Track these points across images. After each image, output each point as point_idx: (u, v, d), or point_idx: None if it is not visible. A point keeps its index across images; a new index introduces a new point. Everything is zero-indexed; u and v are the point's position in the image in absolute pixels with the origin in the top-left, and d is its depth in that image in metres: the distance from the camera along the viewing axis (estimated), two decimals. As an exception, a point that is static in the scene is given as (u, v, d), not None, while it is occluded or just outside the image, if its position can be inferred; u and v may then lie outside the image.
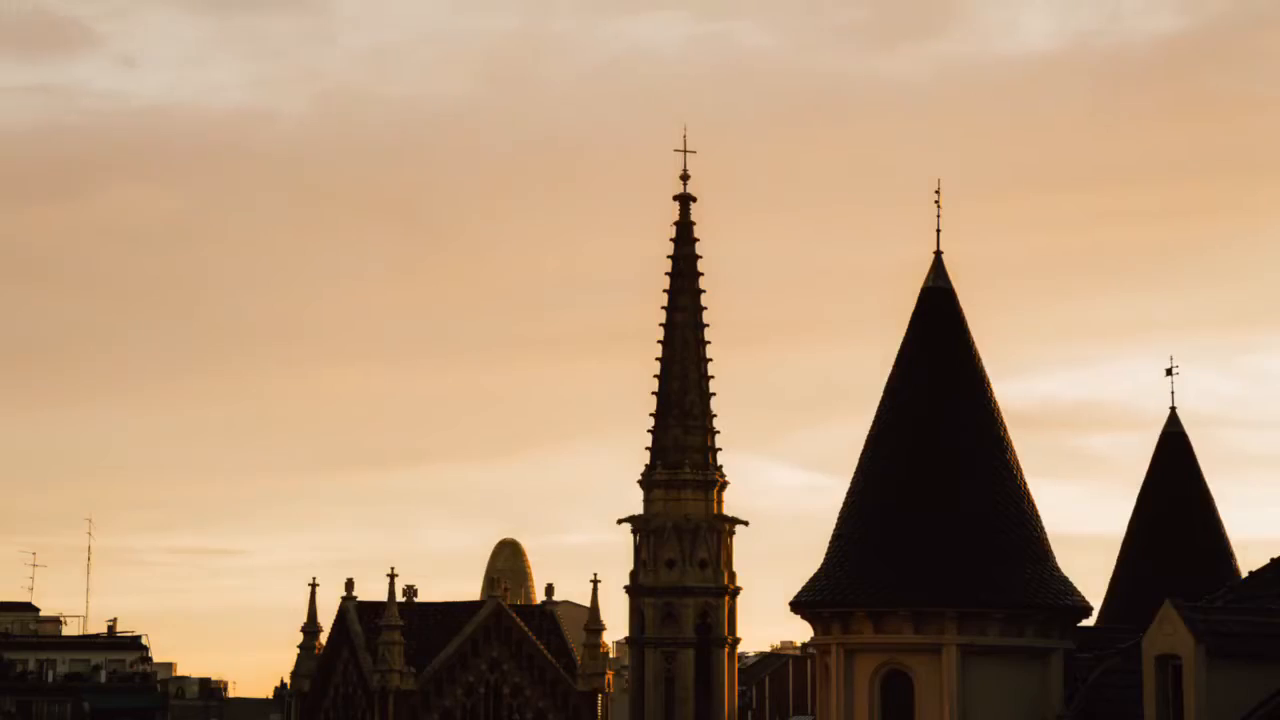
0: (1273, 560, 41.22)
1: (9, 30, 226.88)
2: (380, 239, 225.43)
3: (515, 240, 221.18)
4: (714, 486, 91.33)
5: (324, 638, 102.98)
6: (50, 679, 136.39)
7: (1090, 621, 43.24)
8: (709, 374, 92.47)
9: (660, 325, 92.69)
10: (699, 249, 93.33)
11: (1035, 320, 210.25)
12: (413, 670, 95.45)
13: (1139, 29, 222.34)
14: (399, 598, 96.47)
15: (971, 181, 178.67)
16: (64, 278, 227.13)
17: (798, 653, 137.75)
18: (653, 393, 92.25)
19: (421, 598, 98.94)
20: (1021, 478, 42.49)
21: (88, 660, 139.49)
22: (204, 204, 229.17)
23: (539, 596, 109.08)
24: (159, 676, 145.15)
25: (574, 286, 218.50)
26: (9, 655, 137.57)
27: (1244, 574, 44.41)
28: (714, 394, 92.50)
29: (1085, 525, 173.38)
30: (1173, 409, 51.94)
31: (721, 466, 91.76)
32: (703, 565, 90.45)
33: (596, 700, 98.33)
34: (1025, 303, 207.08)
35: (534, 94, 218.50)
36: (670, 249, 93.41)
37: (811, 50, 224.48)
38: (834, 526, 42.96)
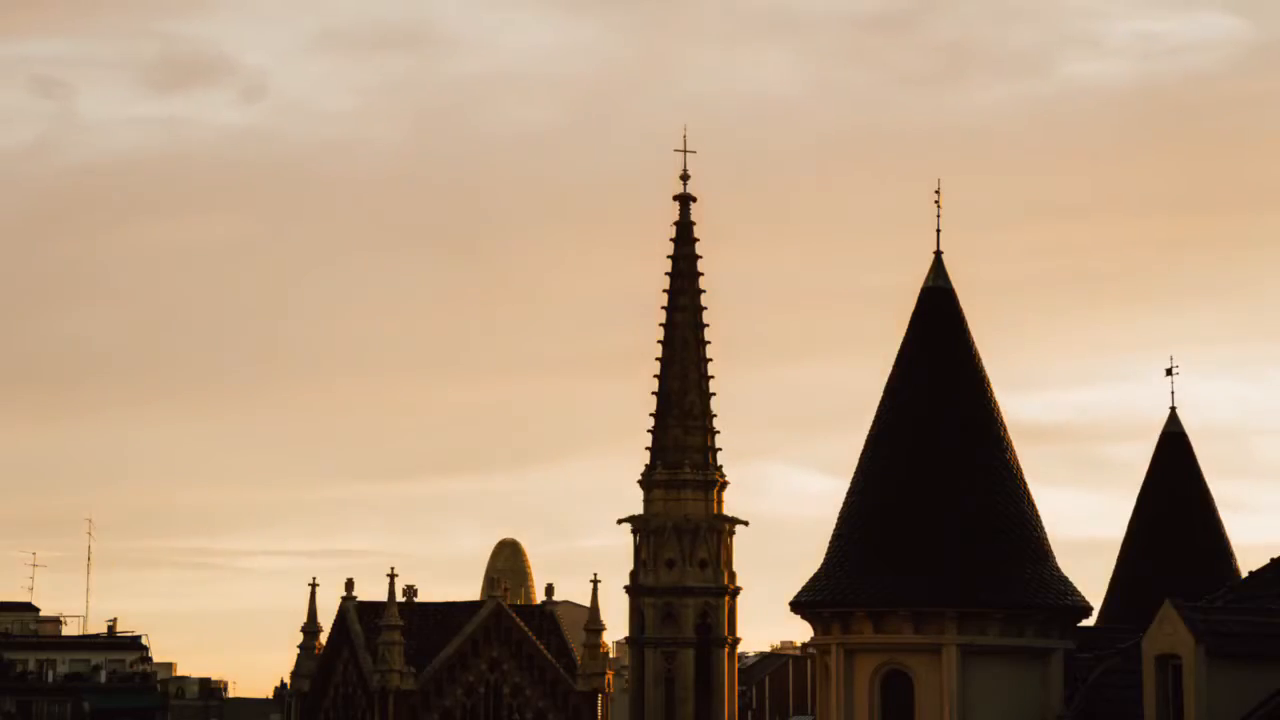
0: (1273, 560, 41.20)
1: (168, 65, 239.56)
2: (415, 259, 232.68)
3: (524, 252, 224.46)
4: (714, 486, 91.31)
5: (324, 638, 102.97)
6: (50, 679, 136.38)
7: (1090, 621, 43.21)
8: (709, 374, 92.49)
9: (660, 325, 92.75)
10: (699, 249, 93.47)
11: (1035, 322, 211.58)
12: (413, 670, 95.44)
13: (1167, 70, 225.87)
14: (399, 598, 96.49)
15: (975, 184, 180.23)
16: (120, 297, 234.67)
17: (798, 653, 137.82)
18: (652, 393, 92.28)
19: (422, 599, 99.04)
20: (1021, 477, 42.45)
21: (88, 660, 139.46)
22: (268, 229, 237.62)
23: (539, 596, 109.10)
24: (159, 676, 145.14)
25: (576, 294, 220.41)
26: (9, 655, 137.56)
27: (1244, 574, 44.37)
28: (714, 394, 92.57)
29: (1089, 530, 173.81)
30: (1173, 409, 51.84)
31: (721, 466, 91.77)
32: (703, 565, 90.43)
33: (596, 700, 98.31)
34: (1025, 305, 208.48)
35: (616, 126, 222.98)
36: (670, 249, 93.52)
37: (830, 70, 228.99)
38: (834, 526, 42.95)
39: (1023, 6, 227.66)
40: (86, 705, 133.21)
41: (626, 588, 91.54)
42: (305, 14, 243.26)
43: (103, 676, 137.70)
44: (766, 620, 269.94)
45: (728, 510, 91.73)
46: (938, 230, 43.94)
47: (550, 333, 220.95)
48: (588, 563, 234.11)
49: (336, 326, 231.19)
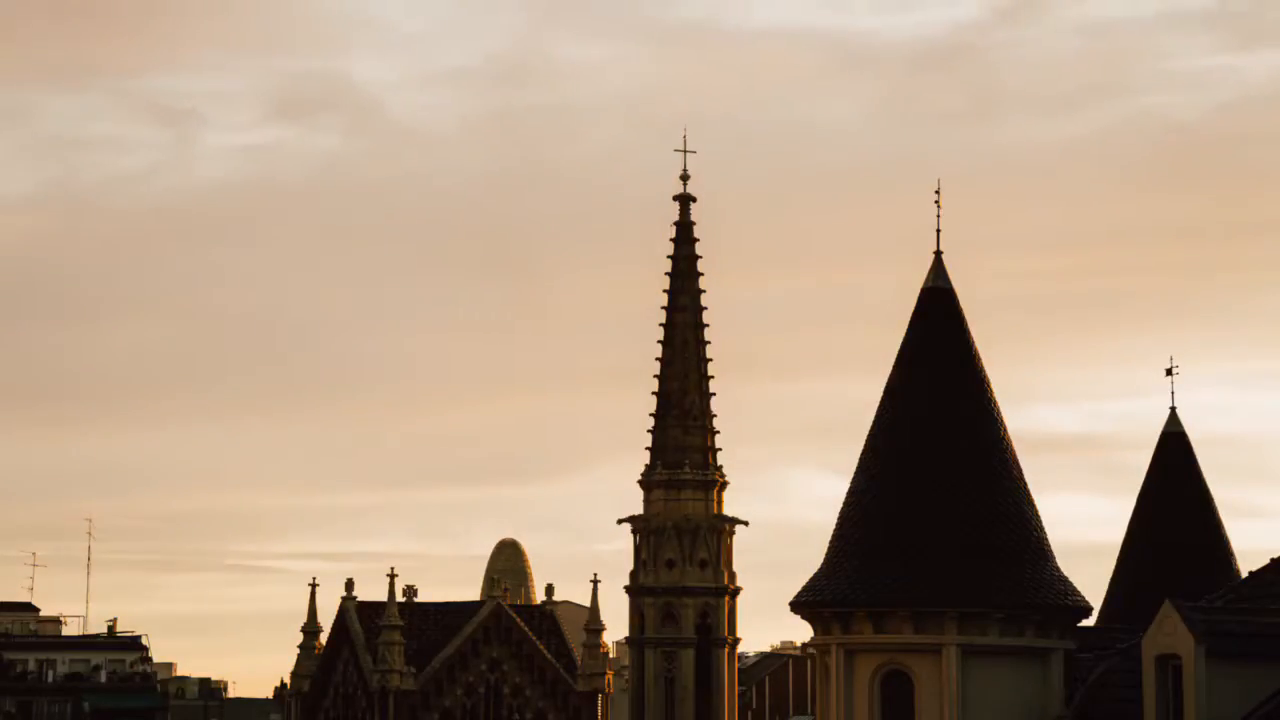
0: (1273, 560, 41.19)
1: (287, 97, 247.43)
2: (432, 275, 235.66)
3: (526, 259, 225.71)
4: (714, 486, 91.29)
5: (324, 638, 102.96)
6: (50, 679, 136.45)
7: (1090, 621, 43.20)
8: (709, 374, 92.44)
9: (660, 326, 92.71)
10: (699, 249, 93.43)
11: (1035, 331, 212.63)
12: (413, 670, 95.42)
13: (1199, 105, 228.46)
14: (399, 598, 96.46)
15: (975, 183, 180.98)
16: (149, 312, 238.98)
17: (798, 653, 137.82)
18: (652, 393, 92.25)
19: (423, 599, 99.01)
20: (1021, 477, 42.44)
21: (88, 660, 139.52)
22: (312, 252, 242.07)
23: (539, 596, 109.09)
24: (159, 676, 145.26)
25: (576, 296, 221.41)
26: (9, 655, 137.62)
27: (1244, 574, 44.37)
28: (714, 394, 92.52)
29: (1090, 536, 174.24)
30: (1172, 409, 51.79)
31: (721, 466, 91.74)
32: (703, 565, 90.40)
33: (596, 700, 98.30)
34: (1026, 315, 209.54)
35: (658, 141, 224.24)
36: (670, 249, 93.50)
37: (861, 100, 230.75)
38: (834, 526, 42.95)
39: (1074, 48, 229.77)
40: (86, 705, 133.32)
41: (626, 588, 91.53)
42: (429, 47, 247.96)
43: (103, 676, 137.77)
44: (766, 620, 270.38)
45: (728, 510, 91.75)
46: (938, 230, 43.97)
47: (551, 336, 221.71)
48: (589, 564, 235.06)
49: (341, 336, 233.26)
